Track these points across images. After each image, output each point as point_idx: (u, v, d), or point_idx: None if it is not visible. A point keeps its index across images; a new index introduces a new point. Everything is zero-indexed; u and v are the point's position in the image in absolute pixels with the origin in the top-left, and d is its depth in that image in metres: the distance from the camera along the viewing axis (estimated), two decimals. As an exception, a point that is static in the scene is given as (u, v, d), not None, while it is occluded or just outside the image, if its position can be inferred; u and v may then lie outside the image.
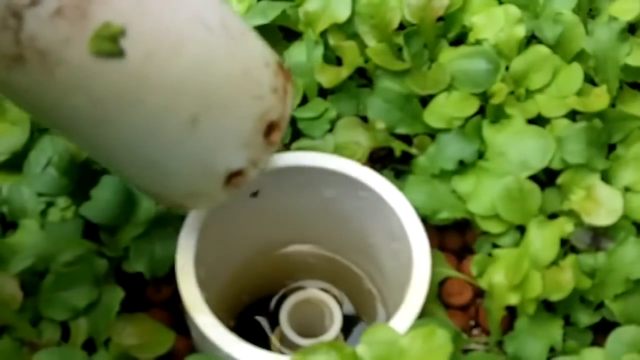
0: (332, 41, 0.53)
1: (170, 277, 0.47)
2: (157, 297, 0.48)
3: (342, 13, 0.53)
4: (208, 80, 0.31)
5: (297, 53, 0.53)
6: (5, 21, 0.24)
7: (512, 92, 0.52)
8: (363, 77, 0.54)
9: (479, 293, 0.49)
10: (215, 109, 0.32)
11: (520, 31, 0.52)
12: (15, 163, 0.47)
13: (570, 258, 0.45)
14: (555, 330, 0.44)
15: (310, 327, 0.50)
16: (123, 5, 0.26)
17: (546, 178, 0.49)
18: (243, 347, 0.41)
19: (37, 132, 0.48)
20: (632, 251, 0.44)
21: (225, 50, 0.32)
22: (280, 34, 0.55)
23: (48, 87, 0.27)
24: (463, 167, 0.49)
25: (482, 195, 0.48)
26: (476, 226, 0.49)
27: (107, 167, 0.35)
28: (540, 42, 0.52)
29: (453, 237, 0.51)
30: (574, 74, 0.51)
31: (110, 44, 0.26)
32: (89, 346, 0.44)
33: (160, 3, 0.27)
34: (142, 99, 0.29)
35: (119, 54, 0.26)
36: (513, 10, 0.52)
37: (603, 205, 0.46)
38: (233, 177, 0.35)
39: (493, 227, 0.48)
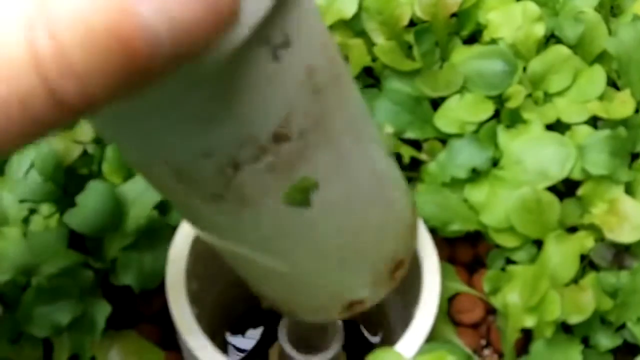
0: (338, 38, 0.49)
1: (161, 289, 0.44)
2: (147, 310, 0.45)
3: (348, 9, 0.49)
4: (365, 229, 0.33)
5: (301, 50, 0.49)
6: (224, 170, 0.26)
7: (529, 95, 0.48)
8: (370, 77, 0.51)
9: (491, 310, 0.46)
10: (361, 253, 0.34)
11: (539, 30, 0.48)
12: (-3, 166, 0.44)
13: (591, 276, 0.42)
14: (573, 355, 0.40)
15: (310, 341, 0.47)
16: (322, 163, 0.28)
17: (565, 189, 0.46)
18: (236, 369, 0.38)
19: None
20: (658, 271, 0.41)
21: (386, 203, 0.34)
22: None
23: (228, 217, 0.29)
24: (476, 175, 0.46)
25: (496, 207, 0.45)
26: (489, 239, 0.46)
27: (234, 266, 0.35)
28: (560, 41, 0.49)
29: (464, 250, 0.48)
30: (596, 76, 0.48)
31: (302, 195, 0.28)
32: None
33: (350, 160, 0.30)
34: (306, 241, 0.32)
35: (306, 204, 0.29)
36: (532, 7, 0.49)
37: (627, 220, 0.42)
38: (354, 304, 0.36)
39: (507, 241, 0.44)
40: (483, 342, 0.46)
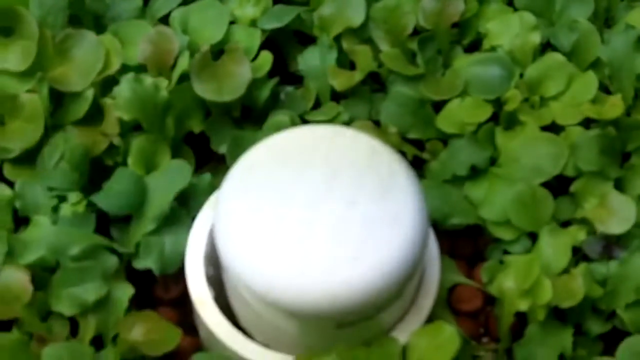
0: (345, 45, 0.53)
1: (179, 276, 0.47)
2: (165, 295, 0.48)
3: (356, 18, 0.53)
4: None
5: (311, 57, 0.53)
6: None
7: (526, 100, 0.51)
8: (376, 82, 0.54)
9: (490, 300, 0.49)
10: None
11: (536, 38, 0.51)
12: (29, 159, 0.48)
13: (582, 266, 0.45)
14: (565, 338, 0.43)
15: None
16: None
17: (559, 186, 0.49)
18: (250, 345, 0.41)
19: (51, 129, 0.48)
20: (645, 260, 0.43)
21: None
22: (294, 38, 0.55)
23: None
24: (475, 173, 0.49)
25: (494, 202, 0.48)
26: (488, 232, 0.48)
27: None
28: (555, 49, 0.52)
29: (464, 244, 0.51)
30: (589, 82, 0.51)
31: None
32: (97, 342, 0.44)
33: None
34: None
35: None
36: (528, 17, 0.52)
37: (616, 213, 0.45)
38: None
39: (505, 234, 0.47)
40: (481, 330, 0.49)
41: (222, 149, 0.50)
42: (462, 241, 0.51)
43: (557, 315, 0.45)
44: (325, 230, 0.37)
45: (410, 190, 0.39)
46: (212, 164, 0.51)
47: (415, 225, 0.38)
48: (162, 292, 0.48)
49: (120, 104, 0.46)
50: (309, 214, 0.37)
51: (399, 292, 0.39)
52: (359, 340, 0.40)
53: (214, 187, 0.46)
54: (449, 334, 0.39)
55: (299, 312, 0.37)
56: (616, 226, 0.45)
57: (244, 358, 0.41)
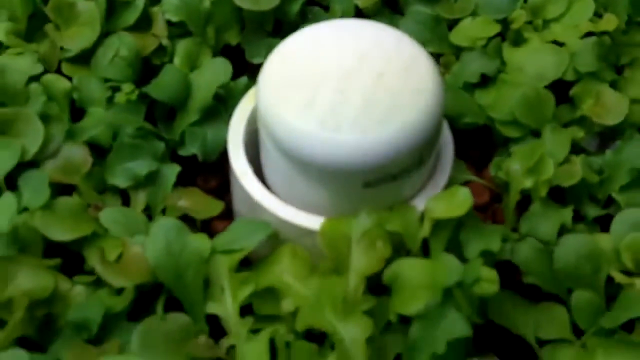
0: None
1: (218, 167, 0.52)
2: (205, 186, 0.53)
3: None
4: None
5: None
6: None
7: (530, 22, 0.57)
8: (393, 8, 0.60)
9: (497, 198, 0.54)
10: None
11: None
12: (85, 59, 0.53)
13: (581, 157, 0.50)
14: (565, 215, 0.48)
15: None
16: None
17: (560, 93, 0.54)
18: (286, 208, 0.46)
19: (103, 35, 0.54)
20: (637, 146, 0.49)
21: None
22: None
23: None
24: (485, 81, 0.54)
25: (502, 103, 0.53)
26: (496, 136, 0.54)
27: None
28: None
29: (474, 149, 0.56)
30: (587, 5, 0.56)
31: None
32: (147, 214, 0.49)
33: None
34: None
35: None
36: (533, -51, 0.58)
37: (611, 108, 0.51)
38: None
39: (512, 132, 0.53)
40: (489, 222, 0.54)
41: (257, 60, 0.56)
42: (472, 146, 0.56)
43: (558, 198, 0.50)
44: (357, 98, 0.42)
45: (430, 69, 0.44)
46: (246, 75, 0.56)
47: (434, 96, 0.43)
48: (202, 182, 0.53)
49: (169, 9, 0.52)
50: (342, 84, 0.43)
51: (419, 157, 0.44)
52: (382, 204, 0.45)
53: (249, 89, 0.52)
54: (463, 195, 0.44)
55: (333, 170, 0.43)
56: (611, 118, 0.50)
57: (280, 219, 0.46)
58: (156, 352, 0.41)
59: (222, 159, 0.50)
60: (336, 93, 0.43)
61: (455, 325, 0.40)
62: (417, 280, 0.42)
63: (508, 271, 0.46)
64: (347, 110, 0.42)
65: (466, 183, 0.54)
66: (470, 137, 0.55)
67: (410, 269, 0.42)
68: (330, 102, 0.42)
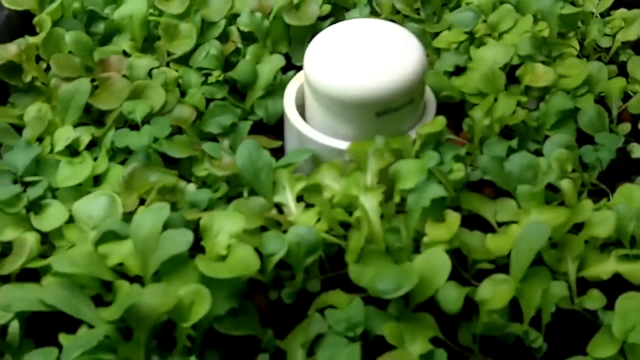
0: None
1: (275, 129, 0.76)
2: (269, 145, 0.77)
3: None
4: None
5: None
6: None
7: (489, 35, 0.82)
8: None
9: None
10: None
11: (495, -2, 0.84)
12: (185, 59, 0.79)
13: (525, 111, 0.73)
14: (513, 142, 0.71)
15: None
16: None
17: (511, 78, 0.78)
18: (325, 137, 0.69)
19: (198, 45, 0.79)
20: (560, 97, 0.72)
21: None
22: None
23: None
24: (458, 71, 0.79)
25: (470, 83, 0.77)
26: (467, 104, 0.77)
27: None
28: (507, 2, 0.84)
29: (452, 119, 0.79)
30: (527, 21, 0.82)
31: None
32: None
33: None
34: None
35: None
36: (488, -14, 0.84)
37: (541, 77, 0.75)
38: None
39: (477, 100, 0.76)
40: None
41: (299, 63, 0.80)
42: (450, 116, 0.79)
43: (509, 139, 0.73)
44: (370, 59, 0.67)
45: (419, 48, 0.69)
46: (292, 71, 0.81)
47: (419, 61, 0.68)
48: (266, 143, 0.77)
49: (242, 23, 0.78)
50: (361, 53, 0.67)
51: (410, 96, 0.67)
52: (389, 132, 0.68)
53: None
54: (440, 120, 0.68)
55: (356, 102, 0.66)
56: (542, 83, 0.74)
57: (320, 144, 0.69)
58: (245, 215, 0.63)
59: (278, 123, 0.75)
60: (358, 58, 0.67)
61: (435, 190, 0.62)
62: (410, 169, 0.64)
63: (476, 187, 0.69)
64: (365, 67, 0.67)
65: (448, 139, 0.77)
66: (450, 110, 0.79)
67: (406, 163, 0.65)
68: (354, 62, 0.67)
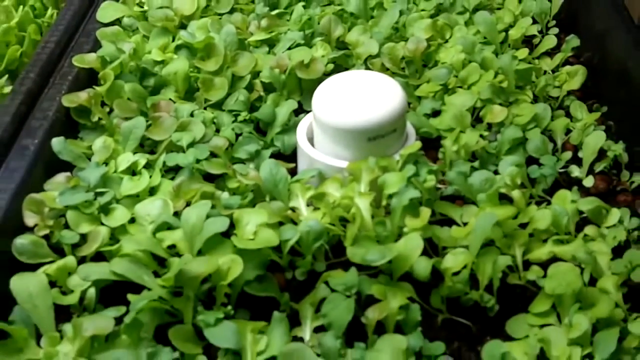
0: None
1: (290, 157, 0.96)
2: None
3: (374, 49, 1.07)
4: None
5: None
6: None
7: (460, 86, 1.03)
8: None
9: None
10: None
11: (462, 56, 1.05)
12: (219, 105, 0.99)
13: (485, 142, 0.93)
14: (475, 164, 0.90)
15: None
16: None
17: (476, 118, 0.98)
18: (329, 158, 0.89)
19: (229, 94, 1.01)
20: (512, 130, 0.93)
21: None
22: None
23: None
24: (435, 114, 1.00)
25: (444, 122, 0.98)
26: (442, 138, 0.97)
27: None
28: (474, 61, 1.05)
29: (430, 151, 0.99)
30: (489, 75, 1.03)
31: None
32: (254, 174, 0.92)
33: None
34: None
35: None
36: (458, 49, 1.06)
37: (497, 114, 0.95)
38: None
39: (449, 135, 0.96)
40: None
41: (309, 108, 1.01)
42: (429, 149, 0.99)
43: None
44: (363, 99, 0.88)
45: (401, 92, 0.90)
46: (303, 113, 1.02)
47: (401, 101, 0.89)
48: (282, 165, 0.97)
49: (264, 77, 1.00)
50: (356, 95, 0.88)
51: (394, 127, 0.87)
52: (378, 154, 0.88)
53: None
54: (417, 144, 0.87)
55: (352, 131, 0.86)
56: (495, 119, 0.94)
57: (325, 164, 0.88)
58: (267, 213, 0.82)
59: (292, 153, 0.95)
60: (354, 98, 0.88)
61: (413, 193, 0.81)
62: (394, 179, 0.84)
63: (449, 200, 0.88)
64: (359, 105, 0.87)
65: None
66: (428, 144, 0.98)
67: (390, 175, 0.84)
68: (351, 102, 0.88)
